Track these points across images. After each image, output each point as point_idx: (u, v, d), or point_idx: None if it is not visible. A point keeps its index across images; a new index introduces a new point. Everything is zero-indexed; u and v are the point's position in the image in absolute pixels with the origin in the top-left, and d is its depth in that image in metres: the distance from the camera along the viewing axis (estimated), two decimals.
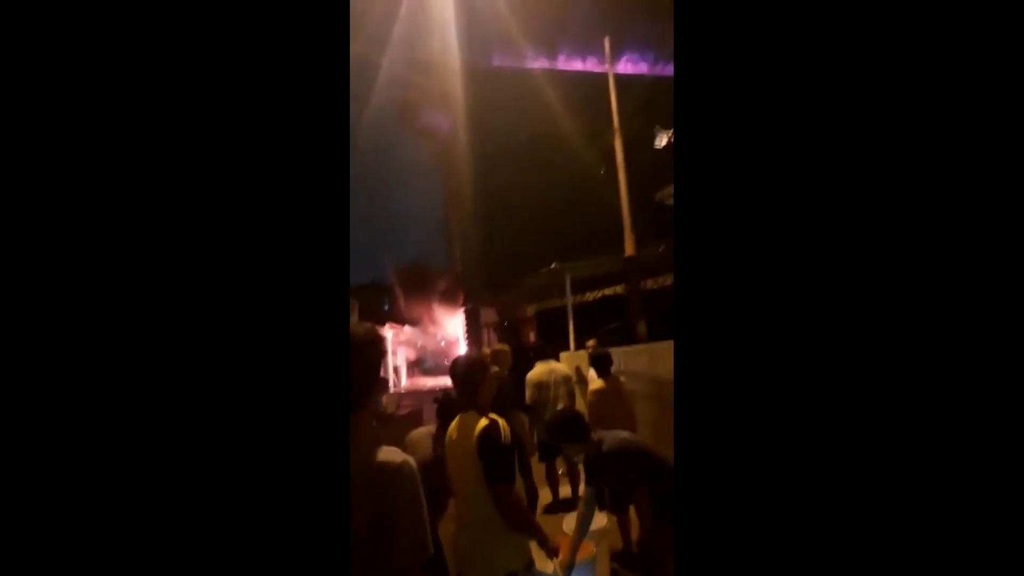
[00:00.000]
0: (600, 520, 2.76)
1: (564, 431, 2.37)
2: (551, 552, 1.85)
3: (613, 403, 3.35)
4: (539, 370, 3.88)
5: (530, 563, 1.74)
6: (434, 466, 2.24)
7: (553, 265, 7.55)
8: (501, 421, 1.75)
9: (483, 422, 1.75)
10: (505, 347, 3.57)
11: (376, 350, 1.07)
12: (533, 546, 1.80)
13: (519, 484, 1.84)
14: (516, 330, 11.75)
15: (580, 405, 3.77)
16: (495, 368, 1.94)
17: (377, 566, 0.96)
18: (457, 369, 1.88)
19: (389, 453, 1.00)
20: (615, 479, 2.40)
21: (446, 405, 2.43)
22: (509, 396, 3.32)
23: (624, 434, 2.45)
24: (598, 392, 3.44)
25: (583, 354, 4.73)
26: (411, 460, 1.00)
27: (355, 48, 5.70)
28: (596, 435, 2.36)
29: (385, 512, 0.95)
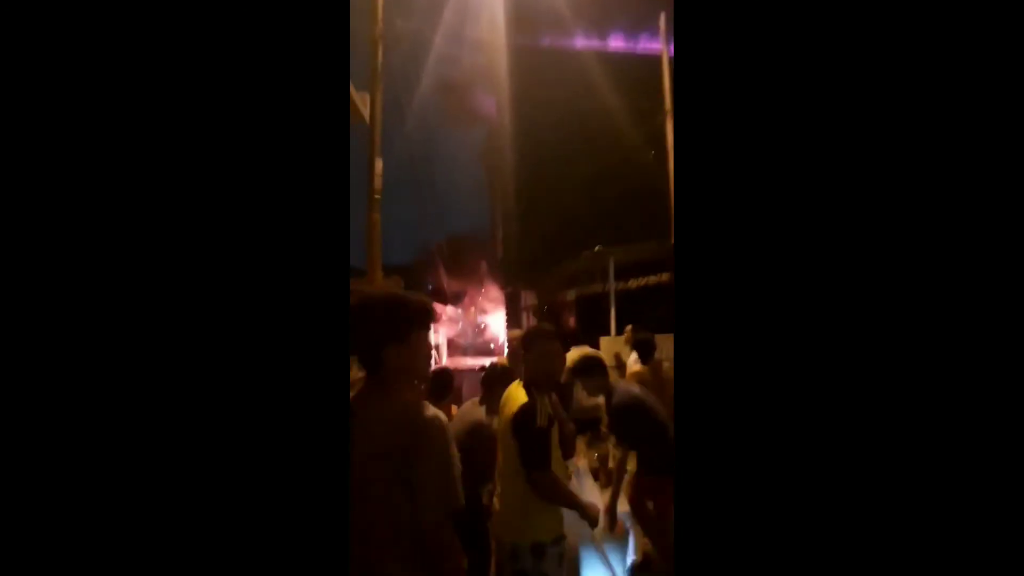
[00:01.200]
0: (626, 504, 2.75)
1: (583, 368, 2.50)
2: (592, 522, 1.86)
3: (654, 387, 3.29)
4: (572, 355, 3.85)
5: (559, 537, 1.75)
6: (475, 432, 2.28)
7: (596, 248, 7.43)
8: (542, 400, 1.75)
9: (520, 400, 1.76)
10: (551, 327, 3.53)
11: (390, 316, 1.07)
12: (567, 518, 1.81)
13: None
14: (556, 314, 11.70)
15: None
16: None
17: (405, 525, 0.96)
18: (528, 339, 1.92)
19: (420, 407, 1.01)
20: (619, 431, 2.43)
21: (492, 376, 2.47)
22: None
23: (636, 389, 2.46)
24: (638, 375, 3.38)
25: (623, 340, 4.65)
26: (441, 415, 1.01)
27: (409, 25, 5.73)
28: (612, 380, 2.43)
29: (414, 466, 0.95)
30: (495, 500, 1.86)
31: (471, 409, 2.46)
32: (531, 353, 1.85)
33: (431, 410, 1.01)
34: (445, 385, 2.61)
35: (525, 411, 1.72)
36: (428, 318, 1.12)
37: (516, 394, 1.80)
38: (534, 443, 1.69)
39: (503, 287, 18.04)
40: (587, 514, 1.81)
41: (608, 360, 4.51)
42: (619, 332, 5.84)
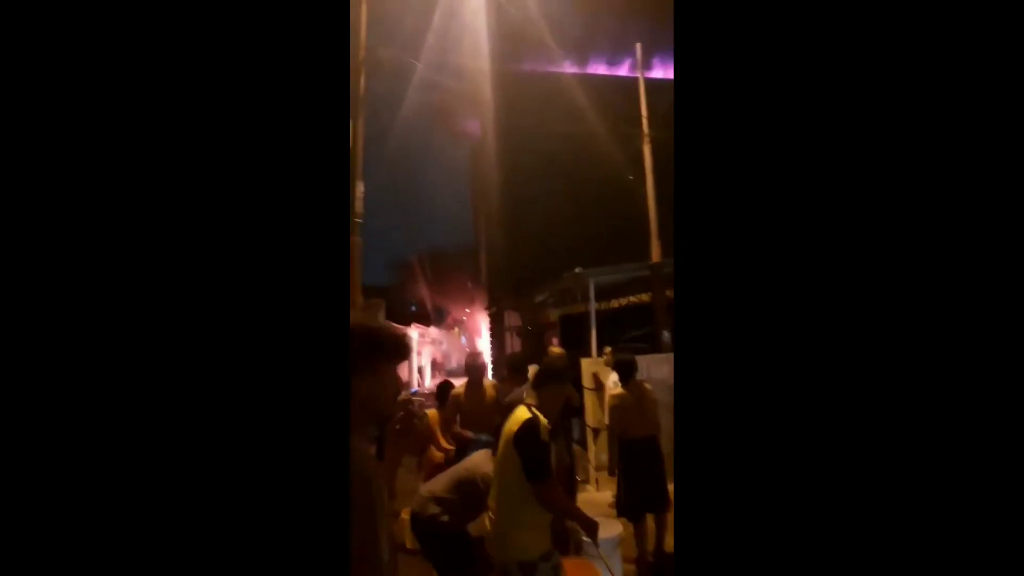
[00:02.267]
0: (615, 527, 2.74)
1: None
2: (592, 535, 1.88)
3: (635, 410, 3.30)
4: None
5: (548, 552, 1.77)
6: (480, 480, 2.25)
7: (577, 270, 7.51)
8: (542, 418, 1.80)
9: (524, 415, 1.81)
10: (562, 351, 3.52)
11: (400, 350, 1.06)
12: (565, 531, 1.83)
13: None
14: (539, 335, 11.71)
15: (596, 412, 3.72)
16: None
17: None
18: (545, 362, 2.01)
19: (361, 455, 0.97)
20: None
21: (443, 390, 2.49)
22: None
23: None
24: (619, 398, 3.39)
25: (603, 361, 4.67)
26: (374, 471, 0.97)
27: (389, 53, 5.84)
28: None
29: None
30: (487, 523, 1.86)
31: (483, 461, 2.42)
32: (542, 391, 1.91)
33: (368, 462, 0.98)
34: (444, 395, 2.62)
35: (529, 425, 1.77)
36: (402, 351, 1.09)
37: (519, 413, 1.85)
38: (537, 455, 1.73)
39: (487, 307, 18.02)
40: (588, 527, 1.84)
41: (587, 382, 4.53)
42: (600, 353, 5.89)
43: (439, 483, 2.34)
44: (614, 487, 3.40)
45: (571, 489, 3.34)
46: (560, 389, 1.94)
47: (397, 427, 2.85)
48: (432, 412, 3.23)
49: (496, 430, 2.08)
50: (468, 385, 3.09)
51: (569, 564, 2.01)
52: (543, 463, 1.74)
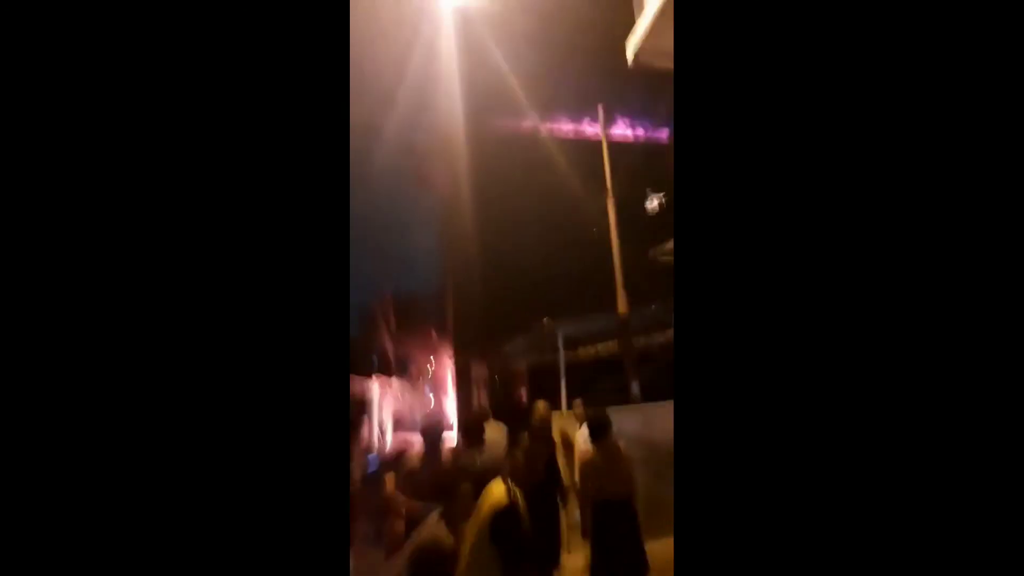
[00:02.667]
0: None
1: None
2: None
3: (609, 468, 3.16)
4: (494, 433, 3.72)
5: None
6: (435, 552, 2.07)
7: (545, 320, 7.49)
8: (520, 499, 1.69)
9: (500, 499, 1.67)
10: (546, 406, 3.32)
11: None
12: None
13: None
14: (507, 386, 11.49)
15: (565, 470, 3.54)
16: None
17: None
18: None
19: None
20: None
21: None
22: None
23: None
24: (591, 455, 3.24)
25: (571, 415, 4.52)
26: None
27: (361, 112, 5.94)
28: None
29: None
30: None
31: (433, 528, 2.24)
32: (518, 450, 1.85)
33: None
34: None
35: (507, 517, 1.64)
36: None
37: (493, 493, 1.72)
38: (516, 547, 1.63)
39: (453, 357, 17.68)
40: None
41: (555, 437, 4.35)
42: (569, 405, 5.75)
43: (395, 568, 2.16)
44: (586, 550, 3.21)
45: (555, 550, 3.13)
46: (545, 450, 1.91)
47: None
48: (390, 477, 3.01)
49: (449, 493, 1.93)
50: (425, 449, 2.94)
51: None
52: (521, 555, 1.63)
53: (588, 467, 3.27)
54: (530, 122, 15.73)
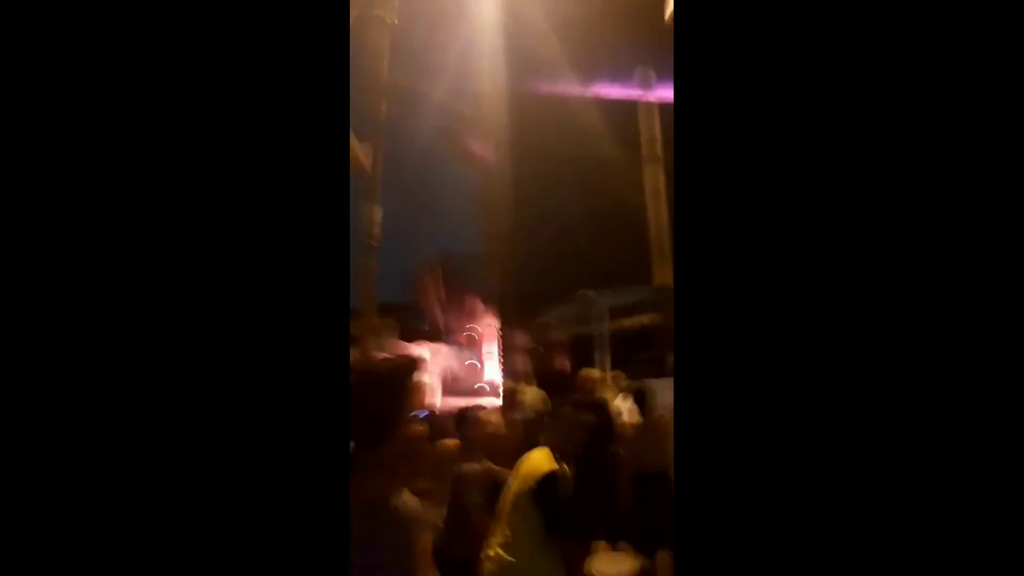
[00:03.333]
0: (626, 562, 2.73)
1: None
2: None
3: (649, 443, 3.25)
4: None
5: None
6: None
7: (587, 291, 7.57)
8: (564, 467, 1.79)
9: (544, 465, 1.79)
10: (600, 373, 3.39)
11: (401, 387, 1.08)
12: None
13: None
14: (549, 356, 11.71)
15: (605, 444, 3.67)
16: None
17: None
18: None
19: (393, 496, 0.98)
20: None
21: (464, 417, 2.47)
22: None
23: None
24: (637, 428, 3.32)
25: (613, 386, 4.66)
26: (411, 500, 0.98)
27: (403, 80, 6.07)
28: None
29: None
30: (486, 563, 1.83)
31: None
32: (560, 421, 1.90)
33: (404, 496, 0.99)
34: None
35: (551, 479, 1.73)
36: (402, 380, 1.08)
37: (537, 459, 1.81)
38: (558, 511, 1.71)
39: (498, 327, 18.00)
40: None
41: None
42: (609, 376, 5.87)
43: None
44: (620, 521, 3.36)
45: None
46: (588, 419, 1.93)
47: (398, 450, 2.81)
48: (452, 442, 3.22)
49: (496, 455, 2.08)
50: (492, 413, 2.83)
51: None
52: (562, 519, 1.71)
53: (630, 439, 3.40)
54: (575, 86, 15.31)
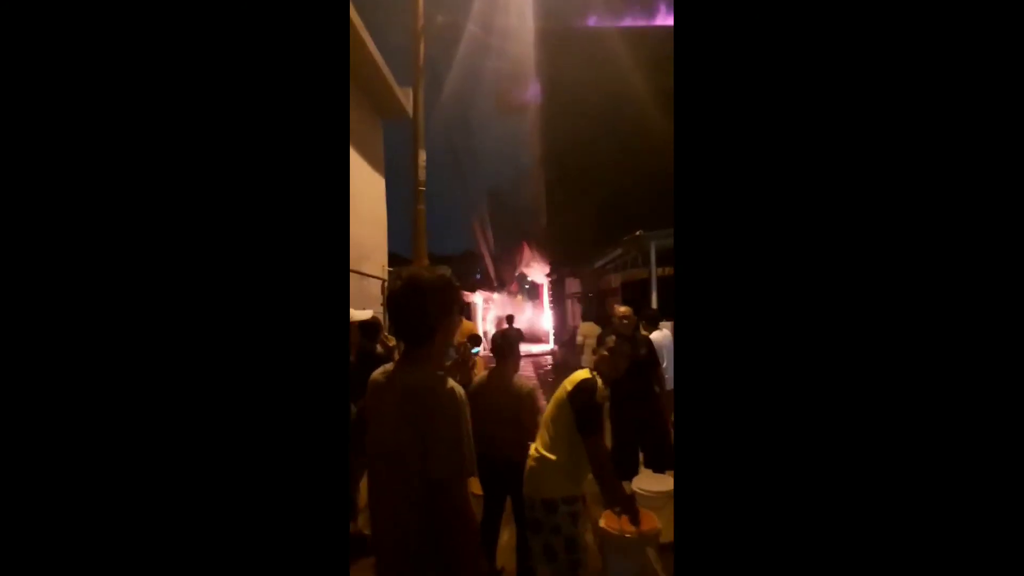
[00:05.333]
0: (666, 482, 2.80)
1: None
2: (610, 505, 2.00)
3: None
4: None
5: (572, 497, 1.90)
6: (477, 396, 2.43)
7: (638, 233, 7.39)
8: (600, 381, 1.92)
9: (582, 374, 1.94)
10: (627, 310, 3.45)
11: (445, 296, 1.14)
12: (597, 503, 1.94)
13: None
14: (600, 301, 11.69)
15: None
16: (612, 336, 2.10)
17: (414, 489, 1.02)
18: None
19: (445, 380, 1.09)
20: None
21: (501, 341, 2.60)
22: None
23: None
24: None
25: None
26: (459, 388, 1.09)
27: (447, 19, 5.90)
28: None
29: (431, 430, 1.03)
30: (530, 461, 2.00)
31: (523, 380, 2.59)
32: (603, 347, 2.01)
33: (450, 382, 1.10)
34: (510, 347, 2.62)
35: (586, 386, 1.89)
36: (462, 301, 1.18)
37: (577, 373, 1.97)
38: (590, 413, 1.86)
39: (548, 274, 18.08)
40: (613, 497, 1.93)
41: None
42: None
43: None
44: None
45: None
46: (628, 347, 2.02)
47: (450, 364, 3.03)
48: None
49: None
50: (493, 369, 2.68)
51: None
52: (593, 421, 1.85)
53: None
54: (604, 19, 14.36)
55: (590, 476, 1.90)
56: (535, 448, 2.00)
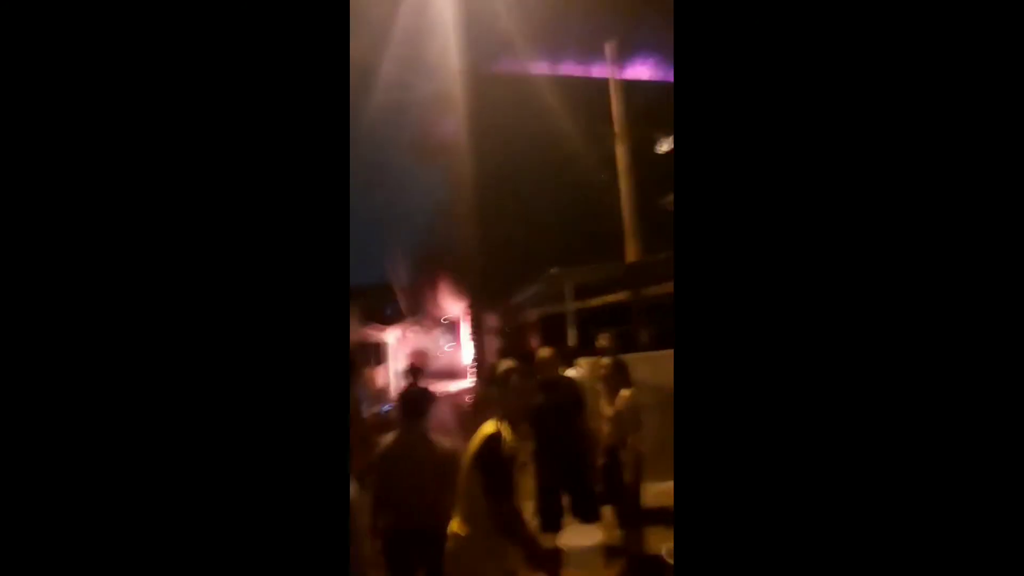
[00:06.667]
0: (594, 535, 2.68)
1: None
2: (540, 565, 1.81)
3: (628, 416, 3.24)
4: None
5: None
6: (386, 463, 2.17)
7: (553, 270, 7.49)
8: (505, 429, 1.74)
9: (488, 428, 1.75)
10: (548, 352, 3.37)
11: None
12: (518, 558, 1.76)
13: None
14: (518, 336, 11.69)
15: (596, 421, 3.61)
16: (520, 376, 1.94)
17: None
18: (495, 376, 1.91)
19: None
20: None
21: (408, 400, 2.34)
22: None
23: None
24: (617, 411, 3.29)
25: (593, 362, 4.57)
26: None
27: (354, 50, 5.71)
28: None
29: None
30: (452, 528, 1.79)
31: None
32: (505, 390, 1.85)
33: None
34: (420, 405, 2.40)
35: (491, 443, 1.70)
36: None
37: (483, 427, 1.78)
38: (497, 470, 1.67)
39: (464, 309, 17.91)
40: (535, 557, 1.76)
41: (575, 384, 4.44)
42: (578, 354, 5.79)
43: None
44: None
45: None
46: (525, 389, 1.89)
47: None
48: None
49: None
50: (401, 426, 2.34)
51: None
52: (500, 480, 1.67)
53: (606, 416, 3.36)
54: (534, 63, 15.04)
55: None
56: (452, 524, 1.78)
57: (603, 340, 4.25)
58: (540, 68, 15.05)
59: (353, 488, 0.94)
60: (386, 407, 3.90)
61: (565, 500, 3.26)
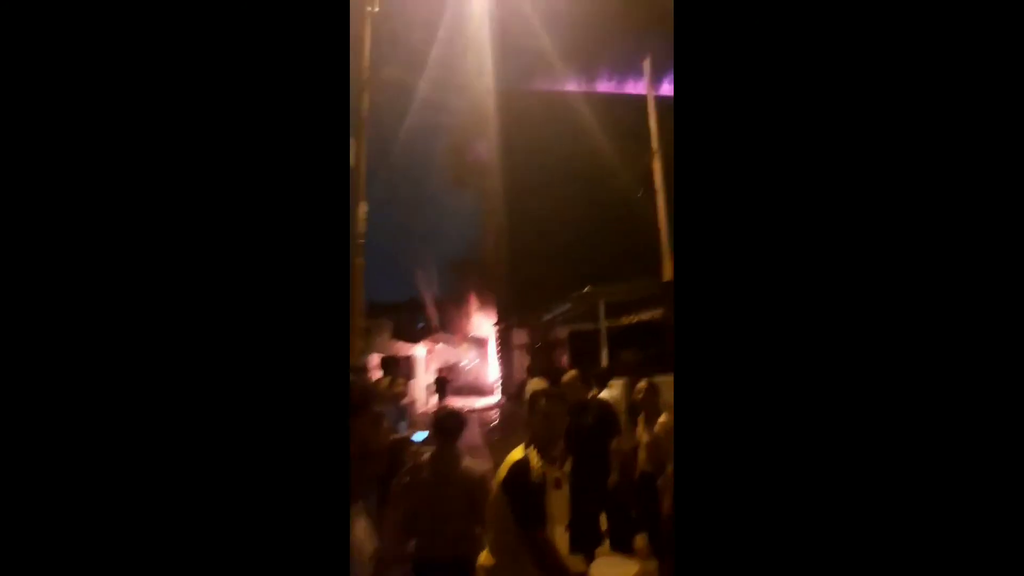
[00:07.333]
0: (628, 567, 2.53)
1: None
2: None
3: (660, 440, 3.10)
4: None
5: None
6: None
7: (587, 288, 7.37)
8: (534, 456, 1.66)
9: (516, 455, 1.67)
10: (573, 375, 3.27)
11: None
12: None
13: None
14: (548, 353, 11.52)
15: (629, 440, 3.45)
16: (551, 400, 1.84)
17: None
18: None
19: None
20: None
21: (441, 421, 2.26)
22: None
23: None
24: (666, 427, 3.14)
25: (625, 383, 4.40)
26: None
27: (390, 71, 5.85)
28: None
29: None
30: (482, 560, 1.70)
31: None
32: (534, 414, 1.76)
33: None
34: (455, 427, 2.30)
35: (518, 469, 1.62)
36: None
37: (513, 453, 1.70)
38: (527, 499, 1.58)
39: (495, 325, 17.88)
40: None
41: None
42: (611, 374, 5.62)
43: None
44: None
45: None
46: (552, 408, 1.77)
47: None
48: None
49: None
50: (435, 450, 2.25)
51: None
52: (531, 509, 1.57)
53: (641, 440, 3.21)
54: (569, 81, 15.08)
55: None
56: (481, 556, 1.69)
57: (636, 360, 4.10)
58: (575, 87, 15.09)
59: (379, 512, 0.93)
60: (417, 436, 3.77)
61: (599, 525, 3.09)
